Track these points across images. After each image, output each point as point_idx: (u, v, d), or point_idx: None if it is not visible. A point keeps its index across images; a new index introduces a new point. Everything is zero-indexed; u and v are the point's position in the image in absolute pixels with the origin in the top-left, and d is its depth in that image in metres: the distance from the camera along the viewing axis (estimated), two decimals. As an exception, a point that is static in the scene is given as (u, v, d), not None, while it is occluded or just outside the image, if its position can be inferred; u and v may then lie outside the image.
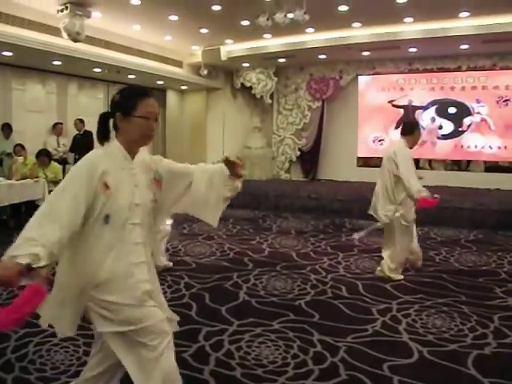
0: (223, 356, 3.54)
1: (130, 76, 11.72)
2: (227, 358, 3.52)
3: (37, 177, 8.28)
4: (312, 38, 10.76)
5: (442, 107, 12.23)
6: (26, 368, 3.33)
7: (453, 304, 4.67)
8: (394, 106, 12.83)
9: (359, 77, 13.23)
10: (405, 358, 3.54)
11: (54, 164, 8.88)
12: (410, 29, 9.80)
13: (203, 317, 4.23)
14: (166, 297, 4.77)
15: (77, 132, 10.45)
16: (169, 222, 5.93)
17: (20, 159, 8.61)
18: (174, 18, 9.35)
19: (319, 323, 4.20)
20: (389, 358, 3.51)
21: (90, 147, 10.35)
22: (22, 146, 8.86)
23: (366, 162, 13.50)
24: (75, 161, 9.92)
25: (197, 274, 5.69)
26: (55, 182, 8.61)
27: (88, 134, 10.39)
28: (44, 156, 8.68)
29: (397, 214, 5.30)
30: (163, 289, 5.09)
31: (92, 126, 10.97)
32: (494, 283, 5.34)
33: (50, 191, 8.26)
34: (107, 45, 10.28)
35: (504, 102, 11.47)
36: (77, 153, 10.24)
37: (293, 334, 3.93)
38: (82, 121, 10.44)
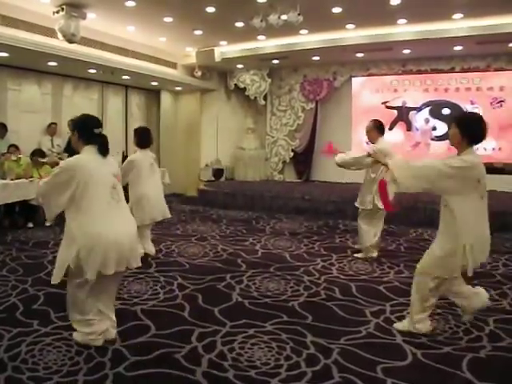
0: (216, 357, 3.54)
1: (125, 77, 11.70)
2: (220, 359, 3.52)
3: (31, 177, 8.28)
4: (306, 39, 10.76)
5: (435, 108, 12.25)
6: (18, 367, 3.33)
7: (447, 306, 4.66)
8: (387, 107, 12.85)
9: (353, 78, 13.22)
10: (398, 360, 3.54)
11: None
12: (403, 30, 9.81)
13: (196, 318, 4.23)
14: (158, 297, 4.81)
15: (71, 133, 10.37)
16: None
17: (12, 156, 8.60)
18: (168, 19, 9.33)
19: (312, 325, 4.20)
20: (382, 361, 3.51)
21: None
22: (16, 147, 8.83)
23: (360, 164, 13.49)
24: None
25: (190, 274, 5.69)
26: (48, 182, 8.58)
27: None
28: (38, 156, 8.69)
29: None
30: (156, 289, 5.10)
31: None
32: (489, 285, 5.33)
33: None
34: (102, 46, 10.24)
35: (498, 103, 11.51)
36: (70, 153, 10.19)
37: (286, 336, 3.93)
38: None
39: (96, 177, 3.56)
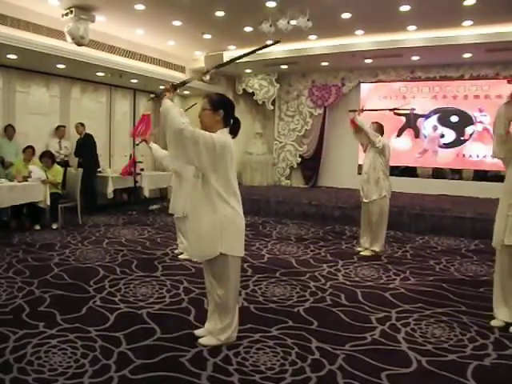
0: (221, 361, 3.54)
1: (133, 80, 11.72)
2: (225, 363, 3.52)
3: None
4: (315, 45, 10.77)
5: (444, 116, 12.23)
6: (23, 369, 3.32)
7: (453, 314, 4.66)
8: (395, 114, 12.81)
9: (361, 84, 13.21)
10: (403, 367, 3.52)
11: (57, 166, 8.92)
12: (412, 37, 9.81)
13: (202, 322, 4.21)
14: (164, 301, 4.79)
15: (78, 136, 10.51)
16: None
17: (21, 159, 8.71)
18: (177, 23, 9.36)
19: (318, 330, 4.19)
20: (387, 367, 3.50)
21: (93, 149, 10.48)
22: (33, 149, 8.87)
23: (367, 170, 13.47)
24: (79, 165, 10.03)
25: (196, 278, 5.68)
26: (54, 184, 8.63)
27: (88, 136, 10.46)
28: (48, 157, 8.75)
29: None
30: (162, 293, 5.10)
31: (95, 128, 11.07)
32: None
33: (50, 194, 8.29)
34: (111, 49, 10.30)
35: (506, 111, 11.44)
36: (80, 156, 10.33)
37: (291, 341, 3.92)
38: (82, 124, 10.51)
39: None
